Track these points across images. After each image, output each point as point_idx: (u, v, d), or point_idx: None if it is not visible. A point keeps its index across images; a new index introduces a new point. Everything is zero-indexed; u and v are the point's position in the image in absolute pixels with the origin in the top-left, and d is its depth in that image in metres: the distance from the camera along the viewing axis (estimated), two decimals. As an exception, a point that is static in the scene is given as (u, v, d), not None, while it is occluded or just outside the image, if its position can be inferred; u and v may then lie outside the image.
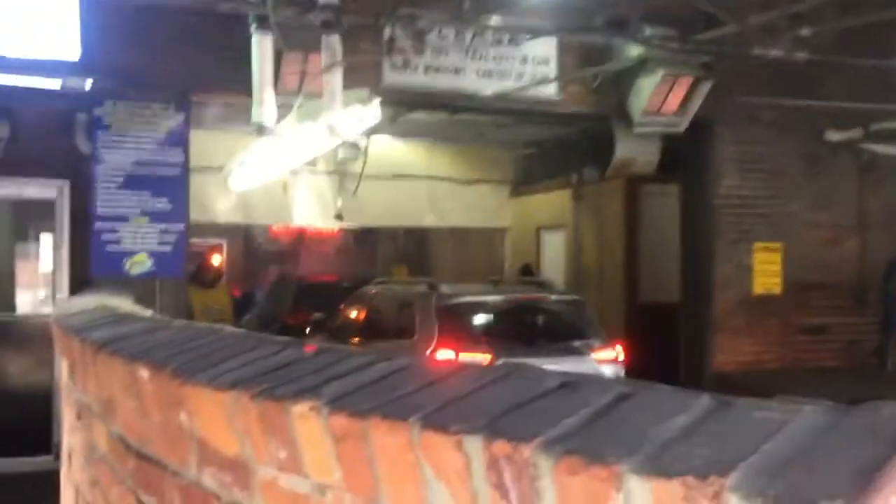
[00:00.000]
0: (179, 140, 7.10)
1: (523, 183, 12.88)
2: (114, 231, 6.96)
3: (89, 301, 3.41)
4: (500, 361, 6.62)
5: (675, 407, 0.79)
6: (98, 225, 6.93)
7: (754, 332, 8.92)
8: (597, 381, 0.90)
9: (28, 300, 7.70)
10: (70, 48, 7.28)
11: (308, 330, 9.74)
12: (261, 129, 4.68)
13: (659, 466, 0.67)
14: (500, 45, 7.86)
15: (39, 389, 7.38)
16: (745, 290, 8.90)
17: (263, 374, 1.19)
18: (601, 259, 11.01)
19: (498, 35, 7.86)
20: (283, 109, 5.40)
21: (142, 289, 6.79)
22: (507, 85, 7.97)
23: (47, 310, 7.26)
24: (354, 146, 7.99)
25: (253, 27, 5.98)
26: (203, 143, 8.67)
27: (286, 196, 10.99)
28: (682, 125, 8.31)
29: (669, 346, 9.24)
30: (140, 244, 7.00)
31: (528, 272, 11.64)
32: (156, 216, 7.05)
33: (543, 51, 8.11)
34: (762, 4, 6.57)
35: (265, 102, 4.64)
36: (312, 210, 12.01)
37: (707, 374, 8.76)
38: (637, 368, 9.98)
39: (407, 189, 12.56)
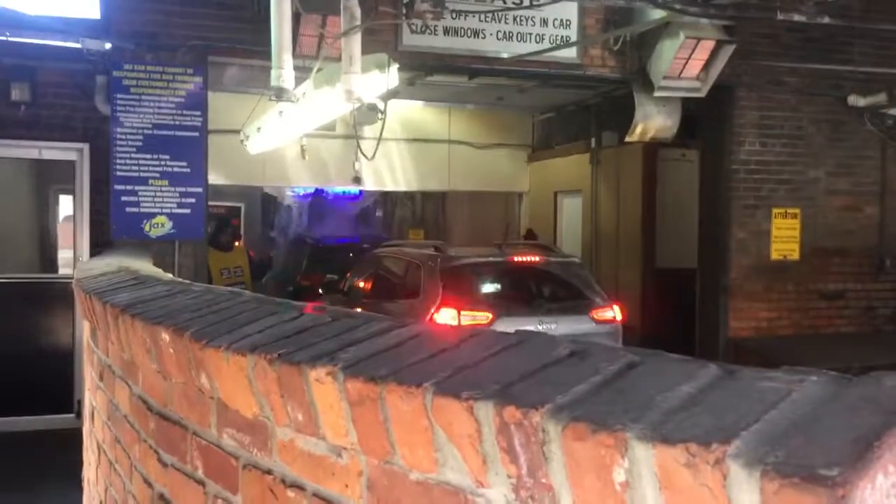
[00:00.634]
0: (198, 102, 7.11)
1: (542, 147, 12.83)
2: (133, 193, 7.01)
3: (110, 263, 3.45)
4: (500, 320, 6.83)
5: (682, 376, 0.80)
6: (117, 187, 6.97)
7: (770, 298, 8.90)
8: (606, 349, 0.91)
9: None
10: (90, 7, 7.29)
11: (321, 290, 9.90)
12: (279, 93, 4.67)
13: (663, 433, 0.69)
14: (521, 7, 7.78)
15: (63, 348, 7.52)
16: (763, 256, 8.87)
17: (282, 339, 1.22)
18: (619, 224, 10.97)
19: (517, -3, 7.78)
20: (301, 72, 5.39)
21: (161, 251, 6.87)
22: (528, 48, 7.90)
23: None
24: (373, 109, 7.98)
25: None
26: (221, 106, 8.68)
27: (305, 159, 11.01)
28: (704, 89, 8.22)
29: (685, 312, 9.23)
30: (159, 207, 7.05)
31: (532, 236, 11.73)
32: (175, 179, 7.08)
33: (564, 13, 8.02)
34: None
35: (284, 66, 4.62)
36: (330, 173, 12.04)
37: (723, 340, 8.77)
38: (653, 333, 10.02)
39: (425, 153, 12.54)
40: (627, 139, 9.15)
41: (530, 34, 8.01)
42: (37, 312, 7.64)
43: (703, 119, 9.07)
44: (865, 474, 0.58)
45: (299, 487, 1.16)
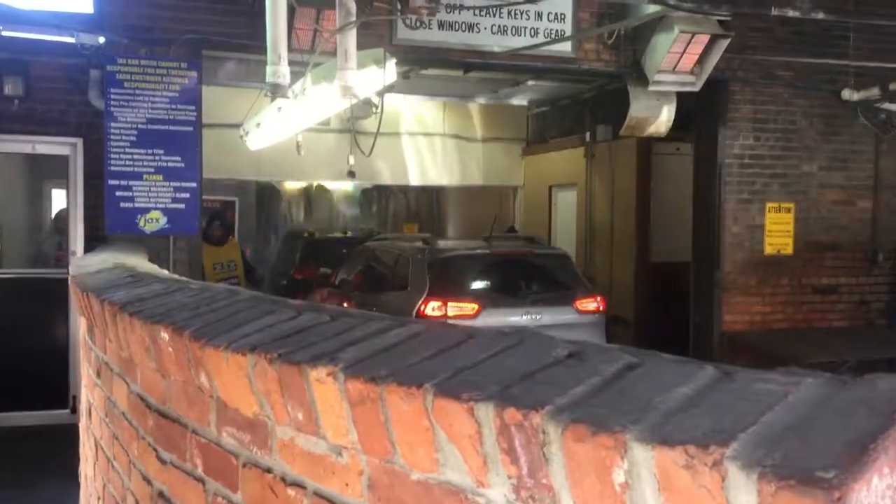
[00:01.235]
0: (192, 97, 7.10)
1: (536, 141, 12.83)
2: (128, 188, 6.99)
3: (106, 259, 3.45)
4: (486, 311, 6.92)
5: (680, 377, 0.81)
6: (111, 182, 6.95)
7: (764, 292, 8.93)
8: (605, 350, 0.92)
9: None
10: (83, 2, 7.26)
11: (314, 284, 9.97)
12: (275, 89, 4.66)
13: (662, 435, 0.70)
14: (515, 3, 7.77)
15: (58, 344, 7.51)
16: (757, 250, 8.90)
17: (281, 339, 1.23)
18: (613, 218, 10.99)
19: (512, -9, 7.77)
20: (297, 66, 5.39)
21: (156, 246, 6.86)
22: (522, 42, 7.90)
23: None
24: (367, 104, 7.97)
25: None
26: (216, 100, 8.65)
27: (300, 154, 10.99)
28: (698, 84, 8.23)
29: (680, 306, 9.26)
30: (154, 202, 7.04)
31: (512, 231, 11.91)
32: (169, 173, 7.06)
33: (559, 7, 8.02)
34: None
35: (279, 62, 4.61)
36: (325, 167, 12.02)
37: (716, 334, 8.80)
38: (647, 328, 10.06)
39: (419, 147, 12.54)
40: (622, 133, 9.17)
41: (525, 28, 8.01)
42: (31, 308, 7.62)
43: (697, 113, 9.09)
44: (861, 476, 0.59)
45: (300, 486, 1.17)
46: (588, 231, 11.51)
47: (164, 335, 1.51)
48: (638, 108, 8.57)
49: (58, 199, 7.94)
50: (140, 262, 3.47)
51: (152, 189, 7.02)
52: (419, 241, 8.35)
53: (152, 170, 7.02)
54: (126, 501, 2.01)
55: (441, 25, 7.71)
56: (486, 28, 7.87)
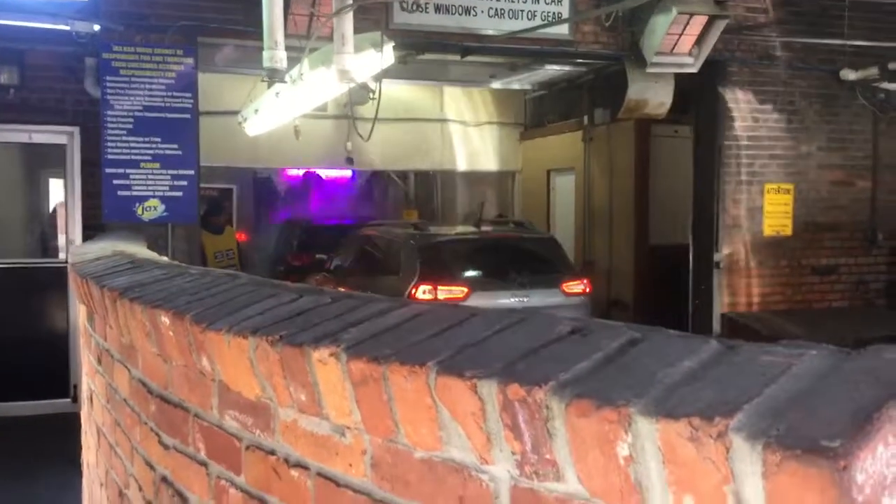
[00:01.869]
0: (189, 84, 7.07)
1: (534, 125, 12.80)
2: (125, 177, 6.97)
3: (105, 247, 3.45)
4: (475, 294, 7.05)
5: (683, 351, 0.81)
6: (109, 171, 6.94)
7: (763, 274, 8.94)
8: (608, 326, 0.92)
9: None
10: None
11: (309, 270, 10.09)
12: (272, 74, 4.65)
13: (666, 408, 0.70)
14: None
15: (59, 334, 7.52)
16: (756, 232, 8.90)
17: (283, 321, 1.23)
18: (611, 201, 10.98)
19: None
20: (293, 52, 5.37)
21: (154, 234, 6.85)
22: (519, 25, 7.87)
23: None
24: (364, 89, 7.95)
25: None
26: (213, 87, 8.62)
27: (297, 140, 10.98)
28: (696, 65, 8.20)
29: (679, 288, 9.27)
30: (152, 190, 7.03)
31: (502, 217, 11.97)
32: (167, 161, 7.05)
33: (555, -11, 7.99)
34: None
35: (276, 46, 4.59)
36: (323, 153, 12.00)
37: (716, 316, 8.81)
38: (646, 311, 10.06)
39: (417, 132, 12.50)
40: (620, 116, 9.14)
41: (522, 11, 7.98)
42: (30, 298, 7.62)
43: (695, 95, 9.07)
44: (866, 445, 0.59)
45: (303, 467, 1.17)
46: (587, 215, 11.50)
47: (165, 320, 1.51)
48: (636, 90, 8.55)
49: (55, 189, 7.92)
50: (139, 249, 3.47)
51: (150, 177, 7.01)
52: (410, 227, 8.56)
53: (149, 158, 7.00)
54: (129, 487, 2.01)
55: (437, 9, 7.68)
56: (482, 11, 7.84)
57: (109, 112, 6.89)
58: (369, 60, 5.09)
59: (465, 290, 7.27)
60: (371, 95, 7.06)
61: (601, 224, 11.21)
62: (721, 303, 8.82)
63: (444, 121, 12.69)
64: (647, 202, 10.51)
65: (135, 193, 6.98)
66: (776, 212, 8.92)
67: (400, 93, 11.80)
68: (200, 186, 7.48)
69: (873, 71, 8.62)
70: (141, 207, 6.99)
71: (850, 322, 8.60)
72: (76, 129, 7.41)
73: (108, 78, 6.88)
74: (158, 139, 7.01)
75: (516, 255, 8.04)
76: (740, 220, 8.84)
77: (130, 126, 6.95)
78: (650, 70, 8.25)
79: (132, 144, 6.97)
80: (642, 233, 10.51)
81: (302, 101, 6.04)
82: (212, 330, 1.31)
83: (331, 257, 9.85)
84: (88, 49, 7.02)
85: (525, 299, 7.33)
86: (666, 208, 10.28)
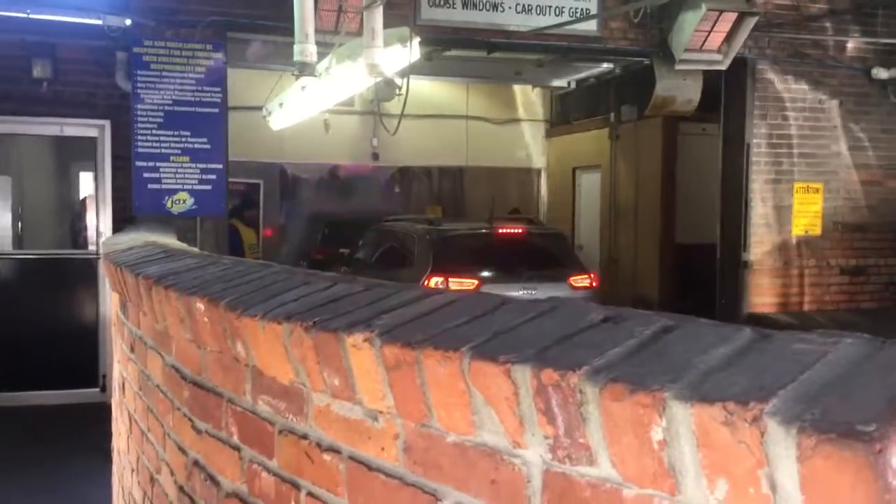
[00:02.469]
0: (218, 79, 7.13)
1: (560, 122, 12.77)
2: (155, 170, 7.05)
3: (136, 238, 3.50)
4: (484, 286, 7.20)
5: (717, 339, 0.82)
6: (139, 164, 7.02)
7: (792, 274, 8.86)
8: (640, 314, 0.93)
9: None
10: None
11: (331, 263, 10.24)
12: (303, 68, 4.68)
13: (701, 393, 0.70)
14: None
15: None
16: (784, 231, 8.82)
17: (316, 307, 1.24)
18: (637, 199, 10.93)
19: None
20: (321, 47, 5.40)
21: (183, 227, 6.92)
22: (547, 21, 7.85)
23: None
24: (391, 85, 7.97)
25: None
26: (241, 82, 8.68)
27: (325, 135, 11.05)
28: (725, 62, 8.14)
29: (705, 287, 9.22)
30: (181, 183, 7.10)
31: (516, 213, 12.09)
32: (196, 155, 7.12)
33: (583, -15, 7.96)
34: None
35: (307, 40, 4.62)
36: (349, 149, 12.06)
37: (743, 316, 8.74)
38: (671, 309, 9.96)
39: (443, 128, 12.52)
40: (647, 113, 9.09)
41: (549, 7, 7.95)
42: (61, 288, 7.73)
43: (724, 92, 9.00)
44: (902, 430, 0.60)
45: (335, 451, 1.19)
46: (612, 212, 11.45)
47: (200, 306, 1.54)
48: (664, 87, 8.50)
49: (85, 182, 8.02)
50: (169, 240, 3.51)
51: (179, 170, 7.08)
52: (425, 222, 8.84)
53: (179, 151, 7.07)
54: (161, 472, 2.05)
55: (465, 4, 7.68)
56: (510, 7, 7.83)
57: (140, 106, 6.97)
58: (397, 55, 5.11)
59: (476, 282, 7.53)
60: (398, 91, 7.08)
61: (627, 222, 11.16)
62: (748, 302, 8.76)
63: (469, 118, 12.69)
64: (674, 200, 10.45)
65: (164, 187, 7.06)
66: (805, 211, 8.84)
67: (426, 89, 11.81)
68: (228, 181, 7.54)
69: (906, 69, 8.51)
70: (170, 200, 7.06)
71: (879, 323, 8.50)
72: (107, 123, 7.50)
73: (138, 72, 6.96)
74: (188, 133, 7.08)
75: (526, 249, 8.28)
76: (768, 219, 8.77)
77: (160, 120, 7.03)
78: (678, 67, 8.20)
79: (162, 138, 7.04)
80: (668, 231, 10.46)
81: (327, 95, 6.07)
82: (246, 316, 1.33)
83: (352, 251, 10.01)
84: (120, 43, 7.10)
85: (532, 292, 7.50)
86: (692, 207, 10.22)
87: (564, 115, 12.61)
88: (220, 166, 7.22)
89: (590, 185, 12.19)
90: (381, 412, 1.08)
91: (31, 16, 7.07)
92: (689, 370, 0.75)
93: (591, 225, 11.95)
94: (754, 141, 8.69)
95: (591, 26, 8.05)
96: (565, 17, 7.88)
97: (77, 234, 8.09)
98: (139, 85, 6.96)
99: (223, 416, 1.55)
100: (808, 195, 8.84)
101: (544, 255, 8.36)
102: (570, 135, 12.39)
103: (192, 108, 7.08)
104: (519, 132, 13.00)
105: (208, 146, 7.15)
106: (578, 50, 8.64)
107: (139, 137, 6.99)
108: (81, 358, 7.53)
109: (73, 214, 8.24)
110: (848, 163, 8.98)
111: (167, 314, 1.77)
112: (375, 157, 12.12)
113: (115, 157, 7.49)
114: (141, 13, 6.99)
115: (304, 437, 1.26)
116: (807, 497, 0.62)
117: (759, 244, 8.75)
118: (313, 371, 1.18)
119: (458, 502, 0.96)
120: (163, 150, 7.06)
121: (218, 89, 7.14)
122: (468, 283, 7.50)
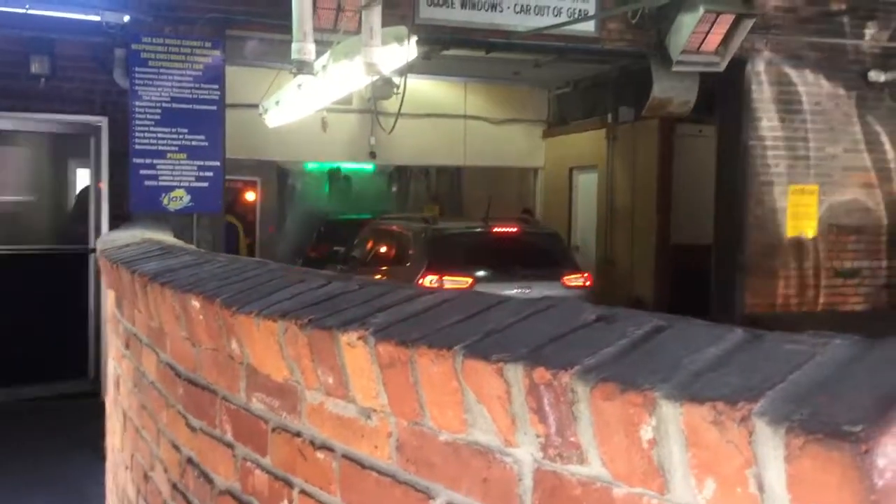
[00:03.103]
0: (216, 76, 7.13)
1: (557, 123, 12.78)
2: (152, 167, 7.05)
3: (133, 235, 3.50)
4: (479, 284, 7.23)
5: (708, 339, 0.82)
6: (136, 161, 7.01)
7: (786, 275, 8.88)
8: (633, 314, 0.94)
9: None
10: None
11: (325, 261, 10.27)
12: (300, 66, 4.68)
13: (690, 392, 0.71)
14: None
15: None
16: (779, 233, 8.84)
17: (311, 305, 1.25)
18: (634, 200, 10.95)
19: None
20: (319, 46, 5.40)
21: (179, 224, 6.92)
22: (545, 21, 7.86)
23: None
24: (388, 84, 7.97)
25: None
26: (239, 80, 8.67)
27: (322, 133, 11.04)
28: (722, 64, 8.15)
29: (701, 288, 9.23)
30: (178, 180, 7.09)
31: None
32: (193, 152, 7.12)
33: (582, -14, 7.97)
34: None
35: (305, 38, 4.62)
36: (346, 148, 12.06)
37: (738, 317, 8.75)
38: (667, 310, 9.99)
39: (441, 128, 12.52)
40: (644, 114, 9.10)
41: (548, 7, 7.96)
42: (52, 283, 7.70)
43: (720, 94, 9.01)
44: (889, 430, 0.60)
45: (328, 449, 1.19)
46: (609, 213, 11.47)
47: (196, 303, 1.54)
48: (661, 88, 8.51)
49: (82, 178, 8.02)
50: (166, 237, 3.51)
51: (176, 167, 7.07)
52: (420, 221, 8.91)
53: (176, 148, 7.07)
54: (154, 469, 2.05)
55: (464, 4, 7.69)
56: (508, 7, 7.83)
57: (137, 103, 6.96)
58: (394, 54, 5.11)
59: (470, 280, 7.57)
60: (395, 91, 7.08)
61: (623, 222, 11.17)
62: (743, 303, 8.77)
63: (467, 117, 12.69)
64: (670, 201, 10.47)
65: (161, 184, 7.05)
66: (800, 213, 8.86)
67: (423, 88, 11.81)
68: (225, 178, 7.54)
69: (903, 72, 8.53)
70: (167, 197, 7.06)
71: (873, 326, 8.52)
72: (104, 119, 7.50)
73: (136, 69, 6.95)
74: (185, 130, 7.07)
75: (520, 248, 8.34)
76: (764, 220, 8.78)
77: (158, 117, 7.02)
78: (676, 68, 8.21)
79: (159, 135, 7.04)
80: (664, 232, 10.47)
81: (324, 93, 6.07)
82: (241, 313, 1.34)
83: (347, 249, 10.04)
84: (118, 40, 7.09)
85: (526, 291, 7.53)
86: (688, 208, 10.23)
87: (562, 115, 12.62)
88: (218, 164, 7.22)
89: (587, 186, 12.20)
90: (374, 410, 1.08)
91: (29, 11, 7.06)
92: (679, 370, 0.76)
93: (587, 225, 11.97)
94: (750, 143, 8.70)
95: (588, 27, 8.06)
96: (563, 18, 7.89)
97: (73, 230, 8.08)
98: (137, 82, 6.95)
99: (217, 414, 1.56)
100: (803, 197, 8.86)
101: (539, 254, 8.42)
102: (568, 135, 12.40)
103: (190, 106, 7.08)
104: (517, 132, 13.01)
105: (206, 143, 7.15)
106: (576, 50, 8.65)
107: (137, 134, 6.98)
108: (72, 352, 7.52)
109: (70, 210, 8.23)
110: (843, 165, 9.00)
111: (162, 311, 1.77)
112: (373, 155, 12.12)
113: (112, 154, 7.48)
114: (139, 10, 6.98)
115: (298, 434, 1.26)
116: (794, 497, 0.63)
117: (755, 246, 8.77)
118: (307, 369, 1.18)
119: (450, 501, 0.96)
120: (160, 147, 7.05)
121: (216, 86, 7.14)
122: (463, 282, 7.55)
